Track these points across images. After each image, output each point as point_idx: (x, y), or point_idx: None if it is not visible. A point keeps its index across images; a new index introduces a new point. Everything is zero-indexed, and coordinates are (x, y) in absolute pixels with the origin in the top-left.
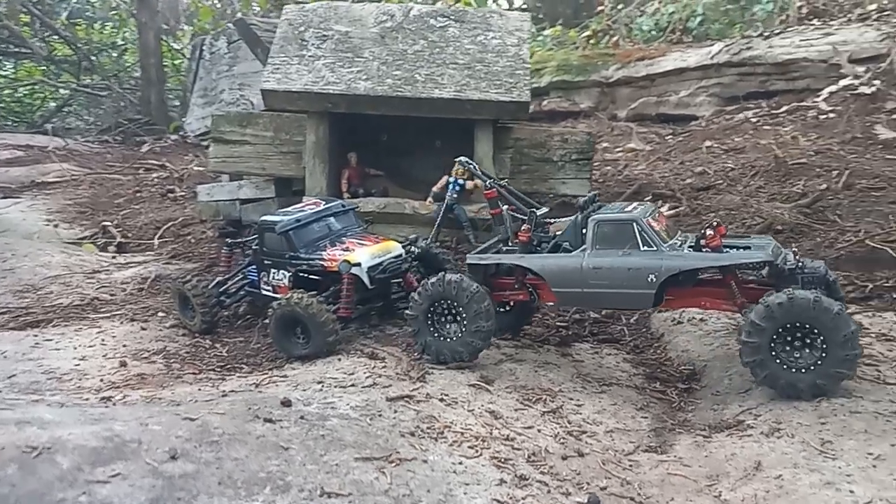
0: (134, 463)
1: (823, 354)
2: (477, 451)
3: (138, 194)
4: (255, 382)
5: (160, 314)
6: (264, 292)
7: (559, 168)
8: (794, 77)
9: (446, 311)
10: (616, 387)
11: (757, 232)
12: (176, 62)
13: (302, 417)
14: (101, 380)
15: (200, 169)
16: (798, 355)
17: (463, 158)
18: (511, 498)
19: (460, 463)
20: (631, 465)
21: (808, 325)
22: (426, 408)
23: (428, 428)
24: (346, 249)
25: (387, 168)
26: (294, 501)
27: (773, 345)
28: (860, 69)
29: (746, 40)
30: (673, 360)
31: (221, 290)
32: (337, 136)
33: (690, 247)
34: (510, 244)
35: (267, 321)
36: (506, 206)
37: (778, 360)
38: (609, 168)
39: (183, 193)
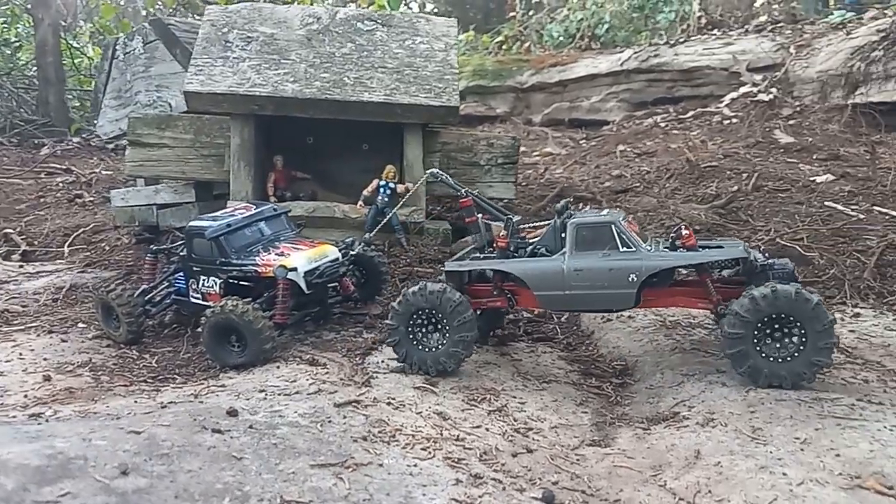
0: (82, 481)
1: (803, 344)
2: (430, 453)
3: (42, 200)
4: (193, 393)
5: (80, 325)
6: (193, 300)
7: (486, 171)
8: (698, 84)
9: (427, 322)
10: (555, 384)
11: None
12: (76, 60)
13: (251, 427)
14: (26, 395)
15: (108, 173)
16: (779, 346)
17: (435, 171)
18: (468, 497)
19: (415, 465)
20: (578, 460)
21: (790, 317)
22: (375, 412)
23: (379, 432)
24: (281, 254)
25: (314, 171)
26: None
27: (756, 336)
28: (758, 77)
29: (654, 48)
30: (605, 357)
31: (146, 298)
32: (262, 138)
33: (666, 247)
34: (486, 252)
35: (198, 330)
36: (480, 215)
37: (760, 351)
38: (530, 171)
39: (92, 199)
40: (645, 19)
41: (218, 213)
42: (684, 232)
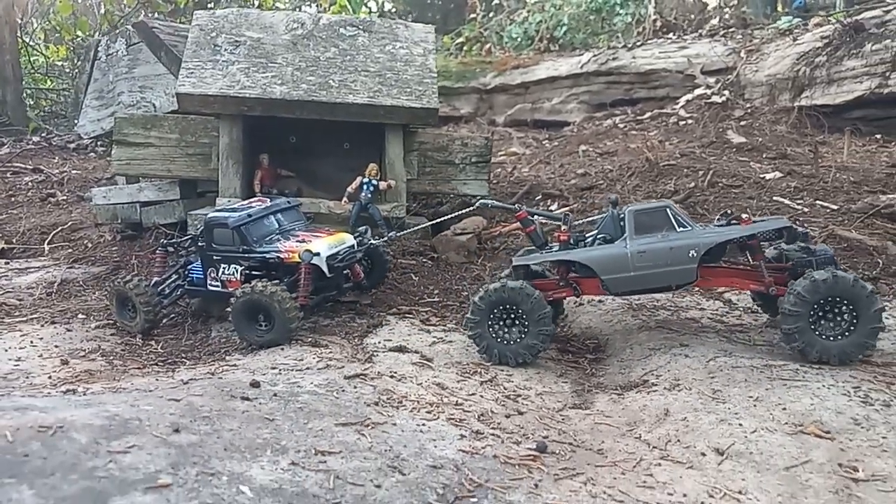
0: (143, 436)
1: (853, 326)
2: (434, 415)
3: (13, 199)
4: (209, 371)
5: (80, 316)
6: (212, 288)
7: (460, 170)
8: (655, 86)
9: (505, 316)
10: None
11: None
12: (32, 59)
13: (275, 395)
14: (49, 377)
15: (77, 172)
16: (832, 325)
17: (485, 200)
18: (473, 448)
19: (424, 424)
20: (563, 420)
21: (845, 300)
22: (381, 383)
23: (388, 399)
24: (302, 241)
25: (297, 169)
26: (294, 460)
27: (812, 316)
28: (711, 80)
29: (612, 51)
30: (579, 336)
31: (158, 290)
32: (247, 138)
33: (719, 225)
34: (544, 251)
35: (227, 310)
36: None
37: (815, 330)
38: (499, 170)
39: (65, 197)
40: (602, 22)
41: (235, 206)
42: (744, 216)
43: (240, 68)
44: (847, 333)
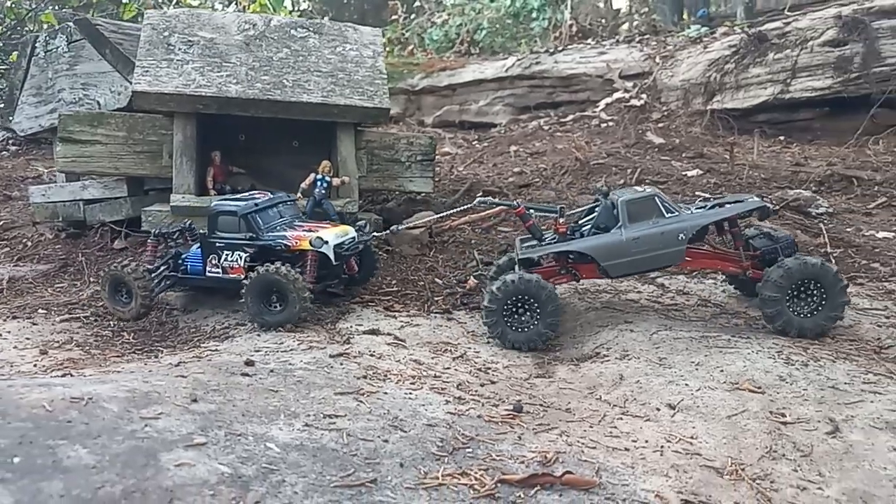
0: (167, 406)
1: (823, 302)
2: (418, 386)
3: None
4: (195, 356)
5: (41, 311)
6: (211, 275)
7: (406, 168)
8: (576, 90)
9: (518, 306)
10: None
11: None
12: None
13: (271, 371)
14: (35, 365)
15: None
16: (805, 304)
17: (483, 199)
18: (458, 410)
19: (411, 393)
20: (531, 386)
21: (815, 281)
22: (363, 361)
23: (373, 373)
24: (309, 231)
25: (248, 166)
26: (307, 422)
27: (788, 297)
28: (629, 84)
29: (535, 56)
30: None
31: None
32: (200, 135)
33: (699, 208)
34: (543, 242)
35: (241, 291)
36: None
37: (792, 309)
38: (439, 169)
39: None
40: (520, 26)
41: (238, 197)
42: (728, 201)
43: (194, 67)
44: (819, 309)
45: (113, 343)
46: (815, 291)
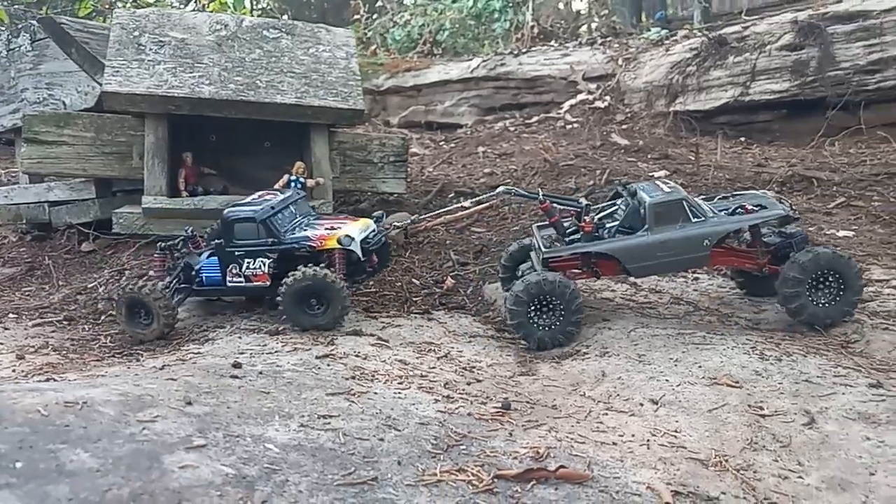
0: (162, 409)
1: (841, 292)
2: (406, 386)
3: None
4: (178, 358)
5: (11, 315)
6: (233, 284)
7: (379, 169)
8: (540, 91)
9: (542, 305)
10: (479, 338)
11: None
12: None
13: (260, 373)
14: (14, 370)
15: None
16: (824, 294)
17: (507, 188)
18: (448, 408)
19: (400, 393)
20: (516, 384)
21: (832, 271)
22: (349, 362)
23: (361, 374)
24: (332, 228)
25: (219, 168)
26: (302, 423)
27: (808, 289)
28: (593, 86)
29: (500, 57)
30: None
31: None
32: (171, 136)
33: (727, 214)
34: (565, 240)
35: (277, 298)
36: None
37: (812, 300)
38: (409, 170)
39: None
40: (482, 27)
41: (249, 200)
42: (746, 205)
43: (166, 68)
44: (838, 299)
45: (91, 347)
46: (833, 282)
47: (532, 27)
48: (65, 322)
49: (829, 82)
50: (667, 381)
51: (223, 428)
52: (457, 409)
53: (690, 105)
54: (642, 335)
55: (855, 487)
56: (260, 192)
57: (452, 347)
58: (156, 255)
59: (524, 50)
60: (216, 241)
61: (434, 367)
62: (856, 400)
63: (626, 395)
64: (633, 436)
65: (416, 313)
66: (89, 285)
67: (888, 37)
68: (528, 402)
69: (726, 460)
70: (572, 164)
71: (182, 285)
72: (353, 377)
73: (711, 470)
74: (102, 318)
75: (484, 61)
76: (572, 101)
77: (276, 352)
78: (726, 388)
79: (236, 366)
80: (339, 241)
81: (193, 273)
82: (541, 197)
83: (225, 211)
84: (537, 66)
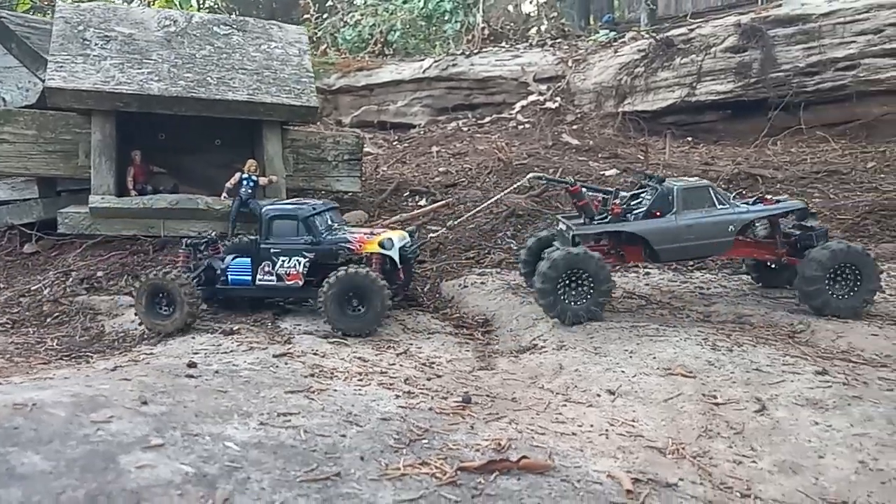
0: (116, 409)
1: (858, 286)
2: (366, 382)
3: None
4: (131, 360)
5: None
6: (263, 283)
7: (333, 167)
8: (492, 92)
9: (570, 280)
10: (438, 334)
11: (504, 217)
12: None
13: (216, 372)
14: None
15: None
16: (843, 286)
17: (537, 174)
18: (409, 403)
19: (360, 389)
20: (475, 378)
21: (853, 265)
22: (308, 360)
23: (320, 372)
24: (371, 234)
25: (169, 166)
26: (262, 421)
27: (827, 279)
28: (544, 87)
29: (452, 58)
30: (468, 314)
31: None
32: (119, 134)
33: (749, 204)
34: (594, 222)
35: (319, 300)
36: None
37: (830, 291)
38: (363, 169)
39: None
40: (433, 28)
41: (291, 202)
42: (769, 196)
43: (113, 63)
44: (854, 292)
45: (36, 349)
46: (851, 275)
47: (483, 29)
48: (8, 325)
49: (770, 84)
50: (623, 372)
51: (181, 427)
52: (418, 404)
53: (639, 106)
54: (597, 328)
55: (805, 470)
56: (296, 199)
57: (411, 344)
58: (181, 252)
59: (476, 51)
60: (251, 237)
61: (394, 364)
62: (804, 387)
63: (583, 387)
64: (591, 426)
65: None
66: (33, 287)
67: (826, 40)
68: (488, 396)
69: (683, 448)
70: (526, 164)
71: (200, 285)
72: (312, 375)
73: (669, 457)
74: (48, 320)
75: (436, 62)
76: (524, 102)
77: (231, 351)
78: (681, 379)
79: (191, 365)
80: (380, 245)
81: (218, 273)
82: (571, 182)
83: (265, 207)
84: (489, 66)
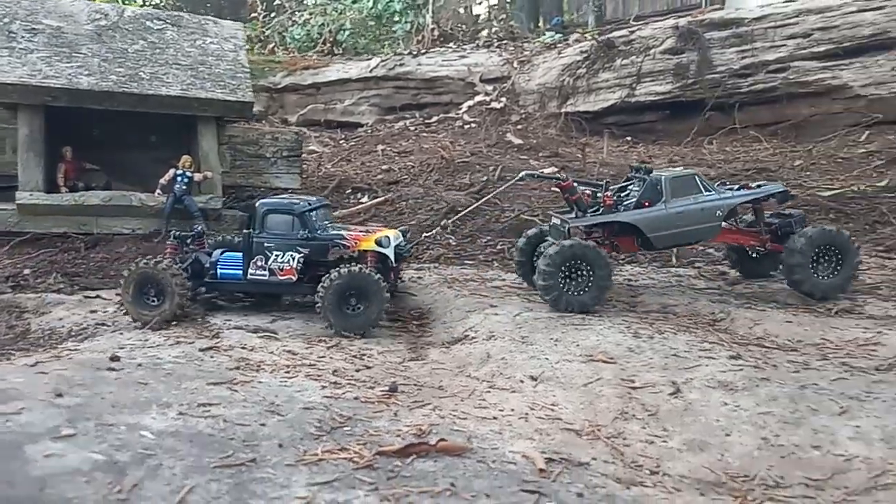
0: (29, 401)
1: (840, 266)
2: (293, 375)
3: None
4: (53, 355)
5: None
6: (254, 277)
7: (272, 164)
8: (439, 92)
9: (571, 271)
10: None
11: (443, 214)
12: None
13: (139, 365)
14: None
15: None
16: (826, 268)
17: (528, 172)
18: (335, 394)
19: (286, 381)
20: (405, 369)
21: (833, 247)
22: (235, 353)
23: (246, 365)
24: (367, 231)
25: (104, 163)
26: (181, 411)
27: (811, 262)
28: (490, 88)
29: (399, 58)
30: (404, 307)
31: None
32: (49, 129)
33: (734, 190)
34: (586, 214)
35: (319, 295)
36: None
37: (815, 273)
38: (305, 167)
39: None
40: (382, 28)
41: (282, 197)
42: (752, 185)
43: (40, 57)
44: (837, 272)
45: None
46: (833, 257)
47: (433, 30)
48: None
49: (706, 85)
50: (547, 359)
51: (95, 418)
52: (343, 394)
53: (581, 106)
54: (527, 319)
55: (712, 447)
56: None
57: (344, 337)
58: (169, 244)
59: (423, 51)
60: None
61: (324, 356)
62: (717, 370)
63: (508, 374)
64: (512, 410)
65: (307, 305)
66: None
67: (758, 43)
68: (415, 385)
69: (599, 429)
70: (468, 162)
71: (187, 278)
72: (238, 367)
73: (584, 438)
74: None
75: (383, 61)
76: (470, 102)
77: (157, 345)
78: (602, 364)
79: (114, 359)
80: (377, 242)
81: (207, 267)
82: (563, 177)
83: (260, 201)
84: (436, 67)
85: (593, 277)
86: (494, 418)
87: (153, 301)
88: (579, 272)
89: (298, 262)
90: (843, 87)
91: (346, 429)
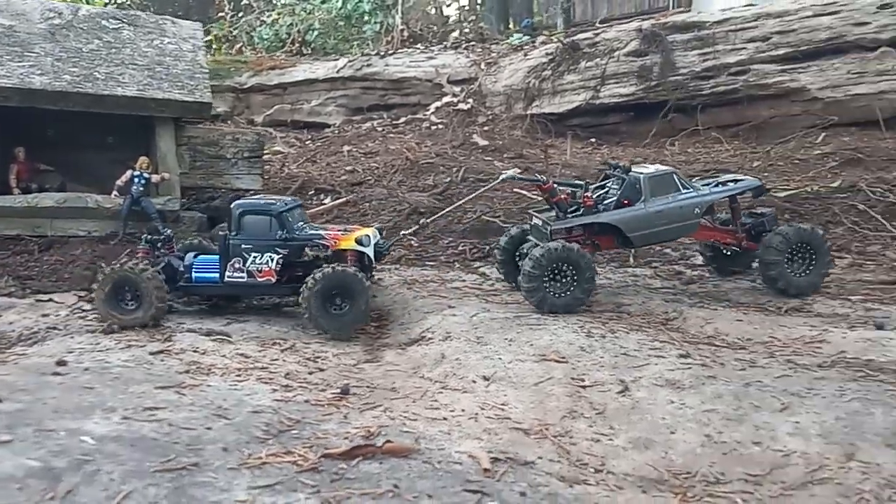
0: None
1: (813, 263)
2: (244, 378)
3: None
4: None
5: None
6: (233, 279)
7: (233, 165)
8: (407, 93)
9: (554, 274)
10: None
11: (406, 215)
12: None
13: (86, 369)
14: None
15: None
16: (800, 266)
17: (510, 173)
18: (285, 397)
19: (236, 385)
20: (359, 371)
21: (807, 245)
22: (186, 357)
23: (197, 368)
24: (345, 231)
25: (60, 164)
26: (125, 415)
27: (786, 261)
28: (457, 89)
29: (366, 58)
30: None
31: None
32: (2, 130)
33: (711, 187)
34: (566, 215)
35: (303, 296)
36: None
37: (790, 271)
38: (268, 167)
39: None
40: (352, 28)
41: (257, 198)
42: (723, 178)
43: None
44: (811, 269)
45: None
46: (806, 254)
47: (402, 30)
48: None
49: (669, 87)
50: (500, 359)
51: (35, 423)
52: (294, 397)
53: (546, 108)
54: (483, 319)
55: (657, 445)
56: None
57: (298, 340)
58: (140, 248)
59: (391, 52)
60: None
61: (276, 360)
62: (665, 369)
63: (461, 374)
64: (462, 410)
65: (264, 308)
66: None
67: (720, 46)
68: (368, 387)
69: (547, 428)
70: (432, 163)
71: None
72: (188, 371)
73: (532, 438)
74: None
75: (350, 62)
76: (438, 104)
77: (107, 349)
78: (553, 364)
79: (60, 363)
80: (357, 241)
81: (181, 272)
82: (543, 179)
83: (235, 202)
84: (403, 67)
85: (577, 279)
86: (444, 419)
87: (129, 305)
88: (563, 274)
89: (277, 263)
90: (801, 90)
91: (293, 432)
